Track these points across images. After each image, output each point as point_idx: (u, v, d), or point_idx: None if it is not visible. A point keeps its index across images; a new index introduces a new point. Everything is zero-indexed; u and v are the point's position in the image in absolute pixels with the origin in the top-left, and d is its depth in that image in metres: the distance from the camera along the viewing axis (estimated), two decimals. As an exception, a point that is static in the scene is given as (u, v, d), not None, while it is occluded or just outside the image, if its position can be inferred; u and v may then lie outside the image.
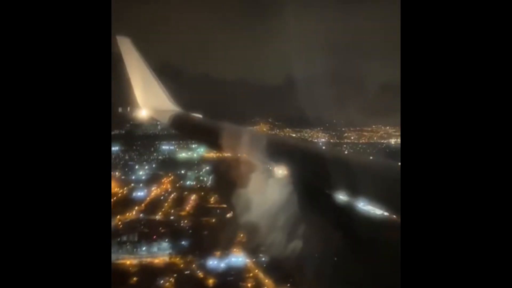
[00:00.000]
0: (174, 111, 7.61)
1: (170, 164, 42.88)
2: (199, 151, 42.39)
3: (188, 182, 41.79)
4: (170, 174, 42.50)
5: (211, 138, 5.50)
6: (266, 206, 2.97)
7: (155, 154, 43.00)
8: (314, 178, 3.20)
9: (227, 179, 3.47)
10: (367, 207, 2.38)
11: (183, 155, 42.70)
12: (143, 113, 7.81)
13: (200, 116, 7.18)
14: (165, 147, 43.47)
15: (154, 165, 43.44)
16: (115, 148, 40.91)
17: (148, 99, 7.81)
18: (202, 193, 40.34)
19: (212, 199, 39.17)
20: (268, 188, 3.06)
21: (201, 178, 41.68)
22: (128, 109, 7.87)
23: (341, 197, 2.69)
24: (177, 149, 43.28)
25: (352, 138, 47.66)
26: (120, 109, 8.25)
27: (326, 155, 3.42)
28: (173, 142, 43.54)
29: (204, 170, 41.22)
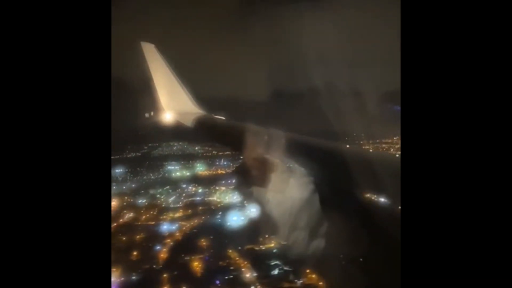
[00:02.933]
0: (198, 113, 7.69)
1: (153, 183, 43.19)
2: (198, 169, 43.30)
3: (140, 201, 41.71)
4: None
5: (233, 139, 5.51)
6: (288, 204, 2.93)
7: (150, 175, 43.56)
8: (337, 177, 3.13)
9: (249, 179, 3.46)
10: (394, 206, 2.31)
11: (177, 174, 43.38)
12: (167, 116, 7.91)
13: (223, 118, 7.21)
14: (170, 167, 44.35)
15: (133, 185, 43.60)
16: (119, 170, 41.56)
17: (172, 102, 7.93)
18: (142, 211, 40.38)
19: (144, 218, 39.37)
20: (290, 187, 3.02)
21: (157, 195, 42.00)
22: (152, 113, 7.99)
23: (366, 195, 2.62)
24: (178, 168, 43.94)
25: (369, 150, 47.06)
26: (147, 115, 8.40)
27: (349, 153, 3.35)
28: (182, 162, 44.42)
29: (166, 187, 41.70)
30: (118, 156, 42.98)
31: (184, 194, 41.13)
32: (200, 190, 41.14)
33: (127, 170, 42.61)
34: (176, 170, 43.87)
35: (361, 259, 2.54)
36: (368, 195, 2.59)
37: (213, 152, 46.47)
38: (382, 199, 2.46)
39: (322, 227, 2.75)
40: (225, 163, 45.06)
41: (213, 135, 7.53)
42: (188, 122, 7.42)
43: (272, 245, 32.33)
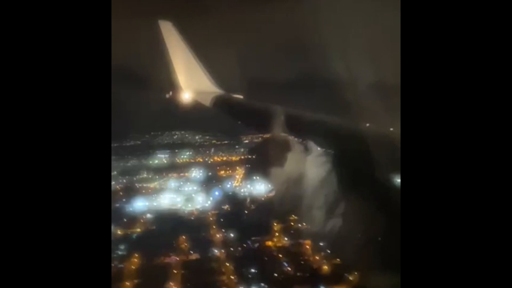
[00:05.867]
0: (216, 92, 7.70)
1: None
2: (182, 157, 43.58)
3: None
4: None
5: (251, 118, 5.53)
6: (304, 184, 2.95)
7: (129, 162, 42.42)
8: (357, 156, 3.12)
9: (267, 158, 3.49)
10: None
11: (155, 162, 43.10)
12: (185, 96, 7.94)
13: (241, 97, 7.21)
14: (160, 155, 43.98)
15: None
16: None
17: (190, 82, 7.94)
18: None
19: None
20: (306, 166, 3.03)
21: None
22: (171, 93, 8.03)
23: (384, 175, 2.60)
24: (163, 157, 44.19)
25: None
26: (167, 95, 8.41)
27: (366, 133, 3.31)
28: (176, 151, 44.70)
29: (113, 173, 41.41)
30: (116, 144, 43.39)
31: (125, 181, 41.03)
32: (150, 176, 40.47)
33: (114, 157, 42.96)
34: (158, 158, 44.00)
35: (379, 239, 2.55)
36: (387, 175, 2.57)
37: (212, 141, 47.13)
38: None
39: (339, 206, 2.75)
40: (214, 152, 45.89)
41: (231, 114, 7.55)
42: (206, 101, 7.45)
43: (138, 229, 31.89)
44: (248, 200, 35.65)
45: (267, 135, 4.09)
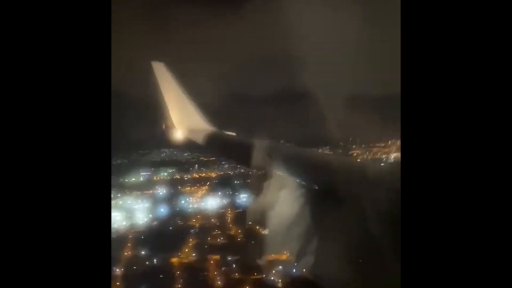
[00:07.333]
0: (208, 130, 7.83)
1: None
2: (162, 174, 44.31)
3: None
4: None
5: (244, 155, 5.65)
6: (295, 218, 3.04)
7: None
8: (335, 186, 3.22)
9: (258, 194, 3.59)
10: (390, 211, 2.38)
11: (132, 180, 43.61)
12: (178, 134, 8.08)
13: (233, 134, 7.34)
14: (143, 173, 44.77)
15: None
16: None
17: (182, 119, 8.09)
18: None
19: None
20: (296, 202, 3.13)
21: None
22: (163, 130, 8.19)
23: (369, 207, 2.70)
24: (145, 174, 44.44)
25: (354, 154, 45.37)
26: (163, 126, 8.58)
27: (355, 168, 3.45)
28: (160, 168, 45.11)
29: None
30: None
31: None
32: (119, 195, 40.19)
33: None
34: (136, 176, 44.28)
35: (360, 261, 2.61)
36: (364, 202, 2.66)
37: (201, 158, 46.85)
38: (378, 205, 2.52)
39: (314, 239, 2.83)
40: (197, 169, 45.52)
41: (224, 151, 7.68)
42: (199, 139, 7.58)
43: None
44: (180, 216, 35.60)
45: (257, 170, 4.23)
